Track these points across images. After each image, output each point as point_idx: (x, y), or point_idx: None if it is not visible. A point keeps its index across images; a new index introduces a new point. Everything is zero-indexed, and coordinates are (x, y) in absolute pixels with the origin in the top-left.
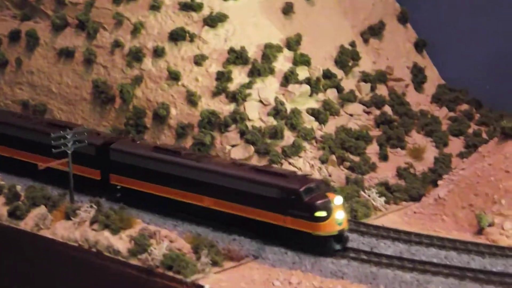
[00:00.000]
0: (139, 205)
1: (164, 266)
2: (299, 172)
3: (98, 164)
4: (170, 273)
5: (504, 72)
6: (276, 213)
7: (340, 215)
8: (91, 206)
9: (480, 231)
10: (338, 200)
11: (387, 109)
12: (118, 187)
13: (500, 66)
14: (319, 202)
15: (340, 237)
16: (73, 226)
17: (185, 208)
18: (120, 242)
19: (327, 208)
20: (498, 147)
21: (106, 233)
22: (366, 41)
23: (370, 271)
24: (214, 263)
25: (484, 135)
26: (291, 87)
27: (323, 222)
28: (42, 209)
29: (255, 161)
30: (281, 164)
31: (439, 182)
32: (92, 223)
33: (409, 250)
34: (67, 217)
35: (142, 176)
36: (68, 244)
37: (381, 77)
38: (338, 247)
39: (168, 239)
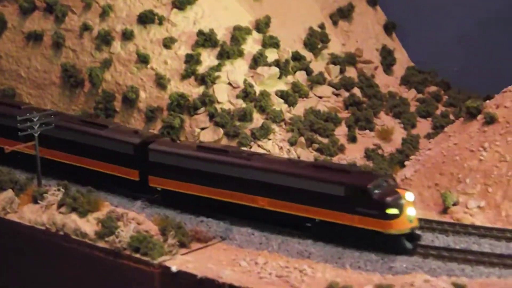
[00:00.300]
0: (181, 207)
1: (131, 248)
2: (359, 166)
3: (136, 165)
4: (137, 255)
5: (472, 54)
6: (342, 212)
7: (411, 212)
8: (59, 190)
9: (445, 210)
10: (409, 196)
11: (356, 91)
12: (159, 189)
13: (468, 48)
14: (389, 198)
15: (411, 236)
16: (41, 209)
17: (236, 209)
18: (88, 225)
19: (399, 204)
20: (463, 126)
21: (74, 216)
22: (335, 23)
23: (336, 250)
24: (182, 245)
25: (452, 117)
26: (260, 69)
27: (395, 219)
28: (9, 193)
29: (225, 143)
30: (250, 146)
31: (406, 163)
32: (59, 206)
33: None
34: (35, 201)
35: (186, 177)
36: (35, 227)
37: (350, 59)
38: (410, 246)
39: (135, 221)
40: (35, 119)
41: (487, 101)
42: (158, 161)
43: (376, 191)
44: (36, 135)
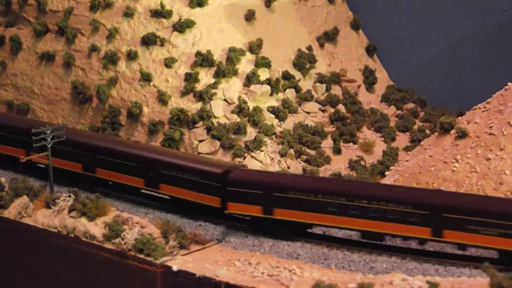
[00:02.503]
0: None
1: (136, 249)
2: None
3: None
4: (141, 256)
5: (445, 73)
6: None
7: None
8: (69, 196)
9: None
10: None
11: (341, 107)
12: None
13: (442, 68)
14: None
15: None
16: (53, 214)
17: None
18: (96, 228)
19: None
20: (438, 140)
21: (83, 220)
22: (322, 45)
23: (322, 252)
24: (182, 247)
25: (428, 131)
26: (253, 87)
27: None
28: (24, 199)
29: (220, 155)
30: (244, 157)
31: (386, 173)
32: (70, 211)
33: (358, 233)
34: (47, 206)
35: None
36: (48, 230)
37: (335, 78)
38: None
39: (139, 225)
40: (48, 132)
41: (459, 117)
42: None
43: None
44: (49, 146)
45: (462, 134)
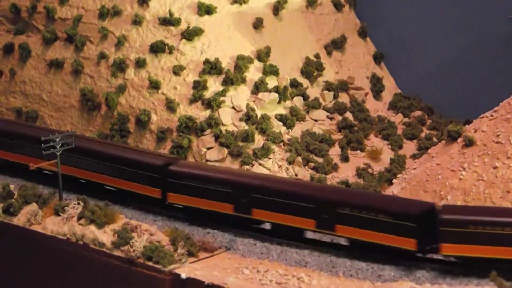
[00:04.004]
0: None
1: (145, 257)
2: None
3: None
4: (150, 263)
5: (452, 81)
6: None
7: None
8: (78, 203)
9: None
10: None
11: (348, 115)
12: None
13: (449, 76)
14: None
15: None
16: (62, 221)
17: None
18: (105, 236)
19: None
20: (445, 148)
21: (92, 227)
22: (329, 53)
23: (330, 259)
24: (190, 254)
25: (435, 139)
26: (261, 95)
27: None
28: (33, 206)
29: (228, 162)
30: (252, 165)
31: (394, 181)
32: (79, 218)
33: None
34: (56, 213)
35: None
36: (57, 237)
37: (343, 86)
38: None
39: (148, 232)
40: (57, 139)
41: (467, 126)
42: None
43: None
44: (58, 154)
45: (469, 143)
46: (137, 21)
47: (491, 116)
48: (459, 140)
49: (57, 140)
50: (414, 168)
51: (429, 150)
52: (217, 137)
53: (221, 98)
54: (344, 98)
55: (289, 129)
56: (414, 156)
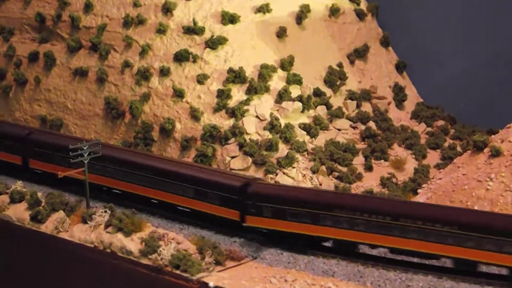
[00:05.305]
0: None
1: (172, 265)
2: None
3: None
4: (178, 272)
5: (475, 91)
6: None
7: None
8: (105, 211)
9: None
10: None
11: (372, 124)
12: None
13: (471, 86)
14: None
15: None
16: (89, 229)
17: None
18: (132, 244)
19: None
20: (471, 159)
21: (119, 235)
22: (352, 62)
23: (357, 269)
24: (217, 263)
25: (459, 148)
26: (284, 104)
27: None
28: (60, 214)
29: (252, 171)
30: (276, 174)
31: (419, 191)
32: (106, 226)
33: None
34: (84, 221)
35: None
36: (84, 245)
37: (365, 95)
38: None
39: (175, 241)
40: (84, 148)
41: (493, 136)
42: None
43: None
44: (85, 162)
45: (496, 153)
46: (161, 30)
47: None
48: (486, 150)
49: (85, 148)
50: (440, 178)
51: (455, 160)
52: (241, 146)
53: (245, 107)
54: (367, 107)
55: (313, 138)
56: (438, 166)
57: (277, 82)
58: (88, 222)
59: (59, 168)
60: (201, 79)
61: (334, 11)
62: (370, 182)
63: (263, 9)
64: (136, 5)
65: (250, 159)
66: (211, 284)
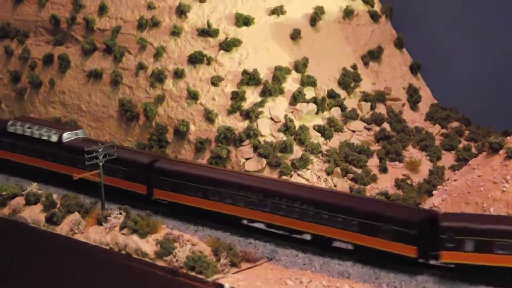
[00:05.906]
0: None
1: (187, 267)
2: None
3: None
4: (193, 273)
5: (490, 92)
6: None
7: None
8: (120, 213)
9: None
10: None
11: (386, 126)
12: None
13: (485, 87)
14: None
15: None
16: (104, 230)
17: None
18: (147, 245)
19: None
20: (487, 160)
21: (135, 237)
22: (366, 64)
23: (373, 271)
24: (232, 264)
25: (474, 150)
26: (299, 105)
27: None
28: (76, 216)
29: (267, 172)
30: (291, 175)
31: (434, 192)
32: (121, 228)
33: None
34: (99, 223)
35: None
36: (100, 247)
37: (380, 97)
38: None
39: (190, 242)
40: (100, 150)
41: (509, 137)
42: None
43: None
44: (100, 164)
45: None
46: (175, 32)
47: None
48: (501, 152)
49: (100, 151)
50: (455, 180)
51: (470, 162)
52: (255, 148)
53: (259, 109)
54: (381, 109)
55: (327, 140)
56: (453, 168)
57: (291, 84)
58: (103, 223)
59: None
60: (215, 81)
61: (348, 13)
62: (384, 184)
63: (277, 11)
64: (150, 7)
65: (264, 161)
66: (226, 285)
